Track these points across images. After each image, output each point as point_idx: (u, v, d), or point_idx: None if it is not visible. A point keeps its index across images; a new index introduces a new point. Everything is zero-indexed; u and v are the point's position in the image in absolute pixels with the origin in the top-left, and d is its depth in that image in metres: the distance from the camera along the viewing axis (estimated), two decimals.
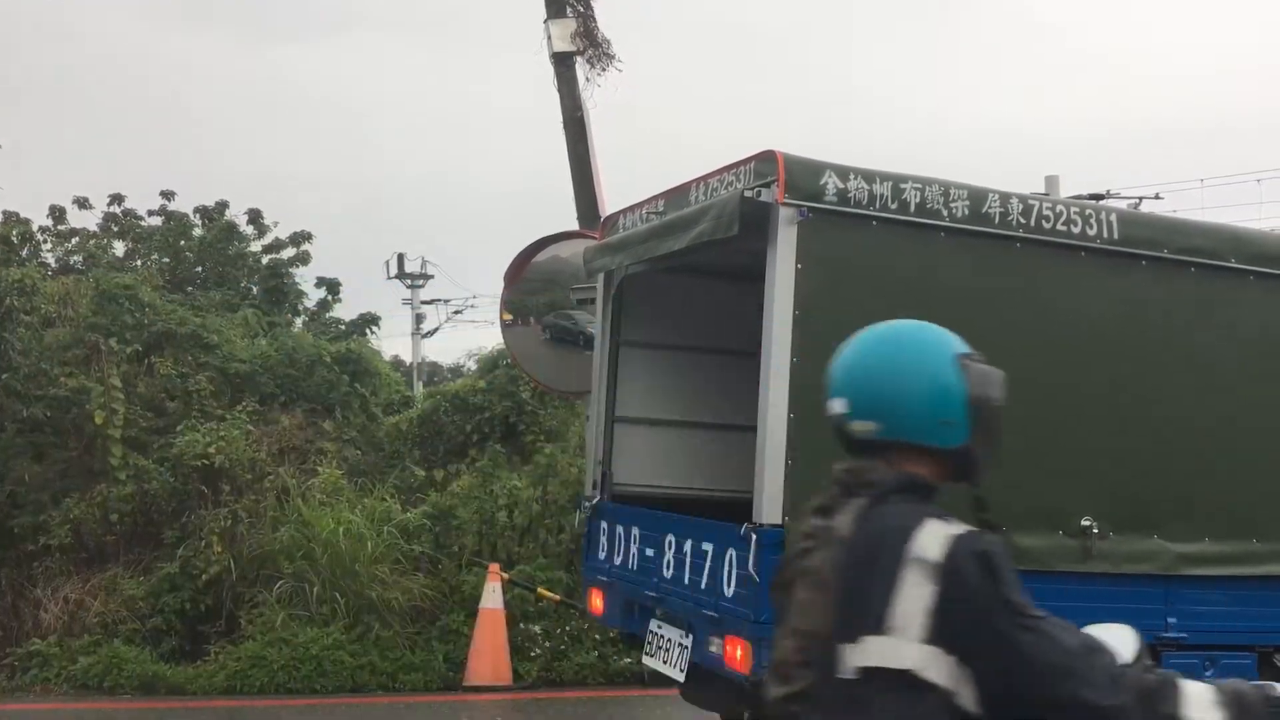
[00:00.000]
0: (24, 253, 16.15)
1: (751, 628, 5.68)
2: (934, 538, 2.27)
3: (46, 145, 68.67)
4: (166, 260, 18.06)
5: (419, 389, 24.80)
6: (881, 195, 5.87)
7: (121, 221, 18.90)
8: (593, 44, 13.07)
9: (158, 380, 13.01)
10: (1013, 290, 6.21)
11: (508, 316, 10.83)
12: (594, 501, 7.57)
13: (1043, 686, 2.20)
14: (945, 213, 5.99)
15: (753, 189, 5.79)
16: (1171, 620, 6.40)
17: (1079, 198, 17.14)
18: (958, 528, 2.31)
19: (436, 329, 38.77)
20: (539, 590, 10.84)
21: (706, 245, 6.05)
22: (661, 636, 6.69)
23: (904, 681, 2.21)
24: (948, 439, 2.44)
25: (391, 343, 77.67)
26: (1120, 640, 2.37)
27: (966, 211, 6.03)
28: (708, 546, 6.13)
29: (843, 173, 5.80)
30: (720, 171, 6.31)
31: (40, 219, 18.17)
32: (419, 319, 38.18)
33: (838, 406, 2.50)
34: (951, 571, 2.23)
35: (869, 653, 2.24)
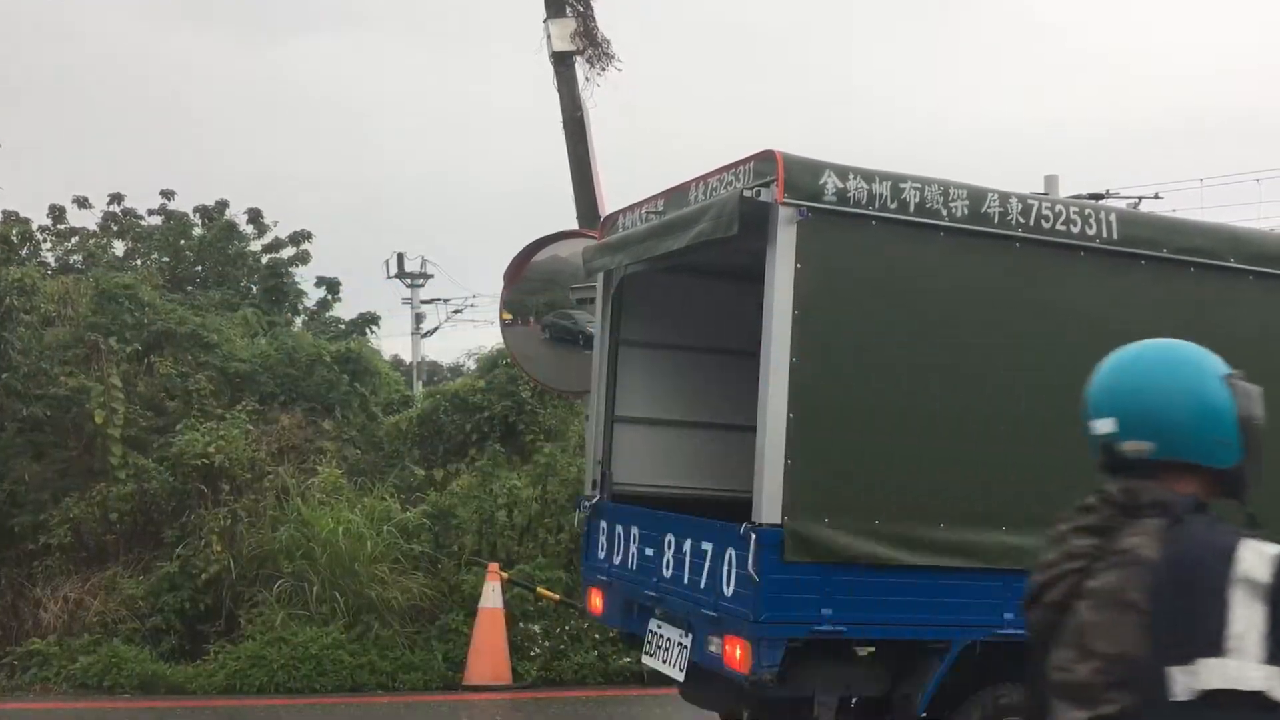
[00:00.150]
0: (24, 252, 16.15)
1: (751, 627, 5.69)
2: (1259, 558, 2.28)
3: (46, 145, 68.67)
4: (166, 260, 18.09)
5: (419, 388, 24.81)
6: (881, 195, 5.87)
7: (121, 221, 18.93)
8: (592, 44, 13.07)
9: (157, 380, 13.02)
10: (1012, 290, 6.21)
11: (507, 316, 10.83)
12: (593, 501, 7.57)
13: None
14: (945, 212, 5.99)
15: (752, 189, 5.79)
16: None
17: (1078, 197, 17.15)
18: (1276, 547, 2.35)
19: (436, 328, 38.82)
20: (538, 590, 10.84)
21: (706, 245, 6.06)
22: (661, 636, 6.70)
23: (1255, 702, 2.21)
24: (1223, 458, 2.48)
25: (391, 342, 77.83)
26: None
27: (966, 211, 6.03)
28: (707, 546, 6.14)
29: (842, 172, 5.81)
30: (720, 171, 6.32)
31: (40, 218, 18.26)
32: (419, 318, 38.20)
33: (1105, 426, 2.52)
34: None
35: (1209, 675, 2.22)
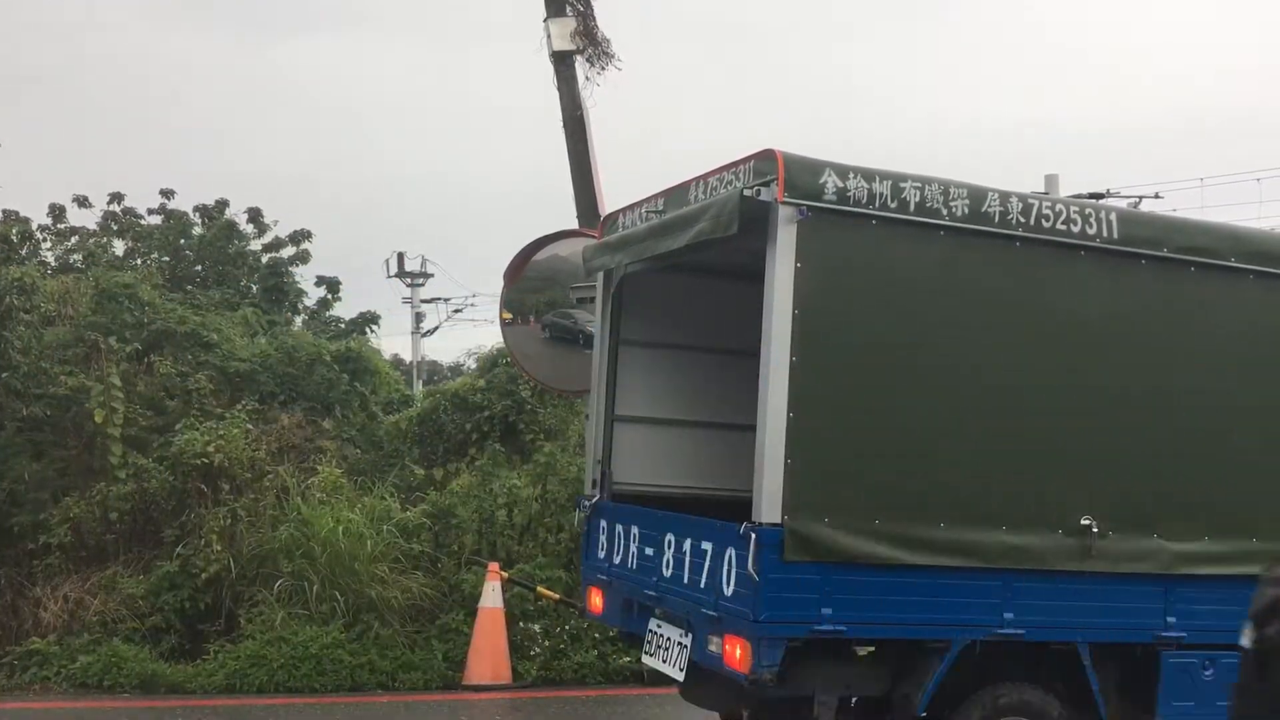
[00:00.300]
0: (24, 251, 16.15)
1: (751, 627, 5.69)
2: None
3: (47, 144, 68.67)
4: (166, 259, 18.08)
5: (419, 388, 24.84)
6: (881, 194, 5.86)
7: (121, 220, 18.91)
8: (592, 43, 13.05)
9: (157, 379, 13.01)
10: (1012, 289, 6.21)
11: (507, 315, 10.83)
12: (593, 500, 7.57)
13: None
14: (945, 212, 5.99)
15: (752, 188, 5.79)
16: (1171, 619, 6.41)
17: (1078, 197, 17.14)
18: None
19: (436, 328, 38.87)
20: (538, 589, 10.84)
21: (706, 244, 6.06)
22: (661, 635, 6.69)
23: None
24: None
25: (391, 341, 77.77)
26: None
27: (966, 210, 6.03)
28: (707, 546, 6.13)
29: (842, 172, 5.80)
30: (720, 170, 6.31)
31: (40, 218, 18.24)
32: (419, 318, 38.25)
33: None
34: None
35: None
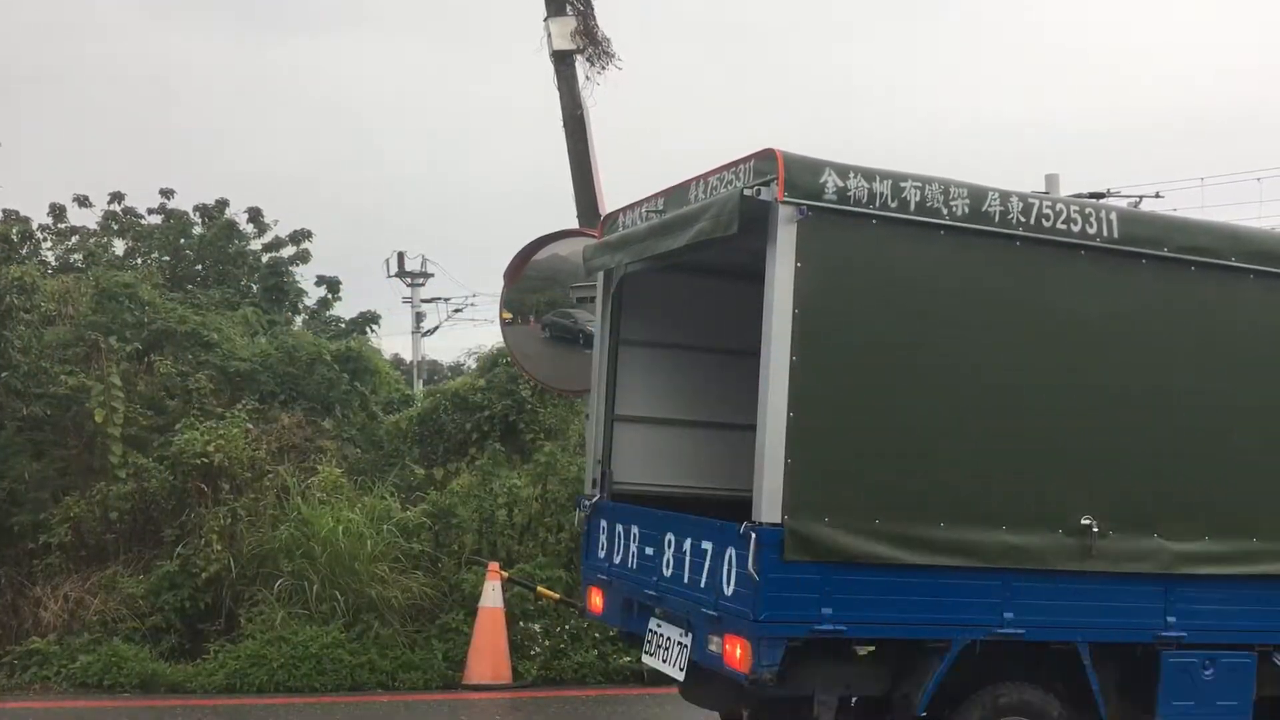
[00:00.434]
0: (24, 251, 16.15)
1: (751, 626, 5.68)
2: None
3: (47, 144, 68.69)
4: (166, 258, 18.08)
5: (419, 387, 24.84)
6: (881, 194, 5.86)
7: (121, 220, 18.91)
8: (592, 42, 13.05)
9: (157, 378, 13.01)
10: (1013, 289, 6.20)
11: (507, 315, 10.83)
12: (593, 500, 7.57)
13: None
14: (945, 211, 5.99)
15: (752, 187, 5.78)
16: (1171, 619, 6.41)
17: (1079, 196, 17.13)
18: None
19: (436, 327, 38.90)
20: (538, 589, 10.84)
21: (706, 243, 6.05)
22: (661, 635, 6.69)
23: None
24: None
25: (391, 341, 77.73)
26: None
27: (966, 210, 6.03)
28: (707, 545, 6.13)
29: (842, 171, 5.80)
30: (720, 170, 6.31)
31: (40, 217, 18.25)
32: (419, 317, 38.28)
33: None
34: None
35: None
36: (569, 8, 13.08)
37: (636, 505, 7.29)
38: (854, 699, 6.28)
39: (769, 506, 5.61)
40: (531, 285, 10.66)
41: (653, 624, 6.81)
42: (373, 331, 18.59)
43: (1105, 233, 6.30)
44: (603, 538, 7.42)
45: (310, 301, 18.59)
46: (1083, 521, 6.15)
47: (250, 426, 12.18)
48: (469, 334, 67.94)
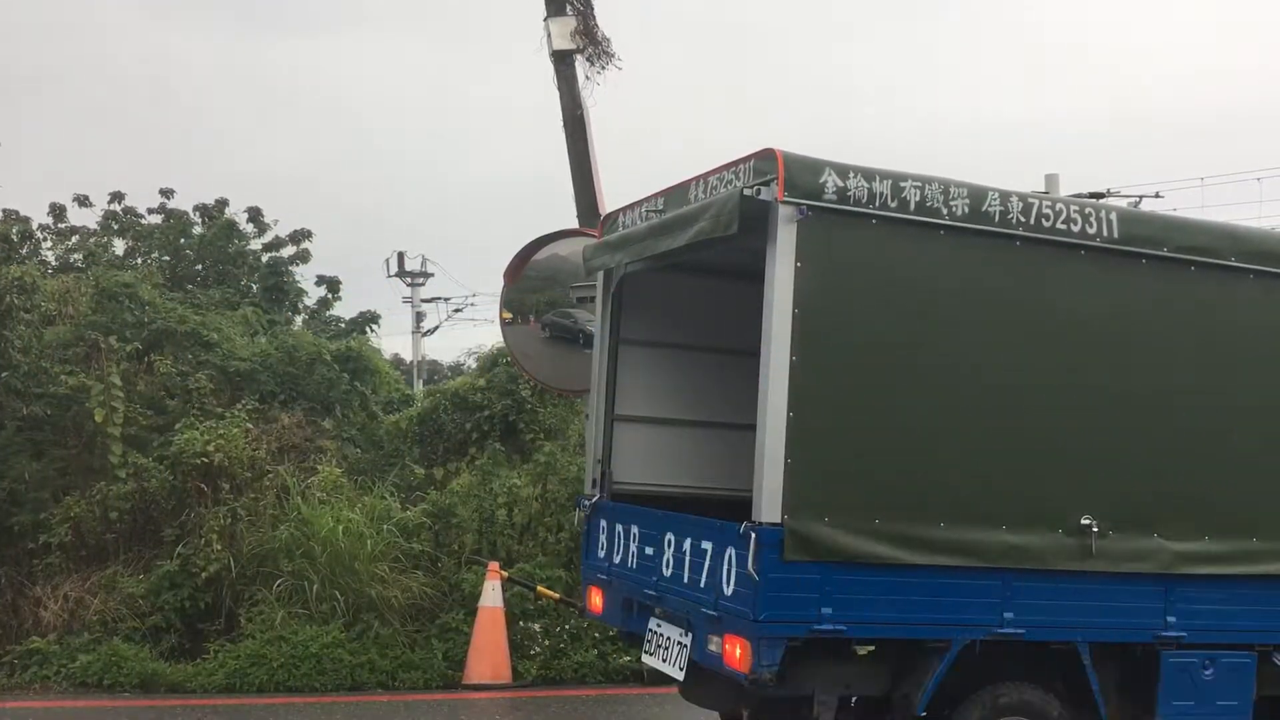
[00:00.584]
0: (24, 251, 16.15)
1: (751, 626, 5.68)
2: None
3: (47, 143, 68.69)
4: (166, 258, 18.08)
5: (419, 387, 24.85)
6: (881, 194, 5.86)
7: (121, 219, 18.91)
8: (592, 42, 13.04)
9: (157, 378, 13.01)
10: (1012, 288, 6.20)
11: (507, 315, 10.83)
12: (593, 500, 7.57)
13: None
14: (945, 211, 5.99)
15: (752, 187, 5.78)
16: (1171, 619, 6.41)
17: (1079, 196, 17.13)
18: None
19: (436, 327, 38.91)
20: (538, 589, 10.84)
21: (706, 243, 6.05)
22: (661, 635, 6.69)
23: None
24: None
25: (391, 341, 77.77)
26: None
27: (966, 210, 6.03)
28: (707, 545, 6.13)
29: (842, 171, 5.80)
30: (720, 169, 6.31)
31: (40, 217, 18.25)
32: (419, 317, 38.28)
33: None
34: None
35: None
36: (569, 7, 13.08)
37: (636, 505, 7.29)
38: (854, 699, 6.28)
39: (769, 506, 5.61)
40: (531, 285, 10.66)
41: (652, 624, 6.81)
42: (373, 331, 18.60)
43: (1105, 232, 6.30)
44: (602, 537, 7.42)
45: (310, 301, 18.59)
46: (1083, 521, 6.15)
47: (250, 426, 12.18)
48: (469, 334, 68.03)
